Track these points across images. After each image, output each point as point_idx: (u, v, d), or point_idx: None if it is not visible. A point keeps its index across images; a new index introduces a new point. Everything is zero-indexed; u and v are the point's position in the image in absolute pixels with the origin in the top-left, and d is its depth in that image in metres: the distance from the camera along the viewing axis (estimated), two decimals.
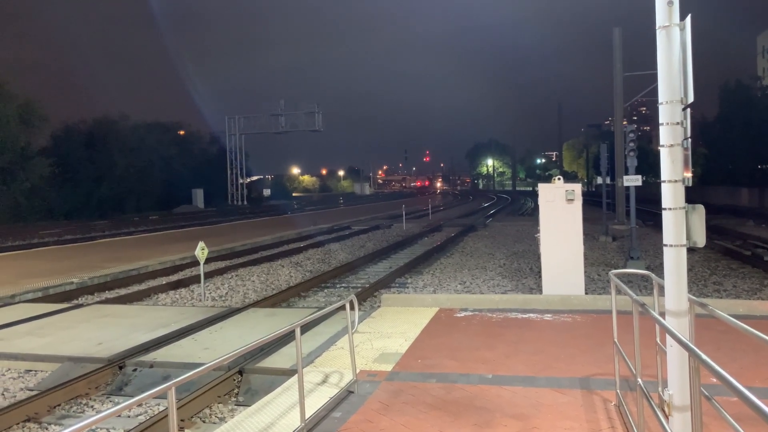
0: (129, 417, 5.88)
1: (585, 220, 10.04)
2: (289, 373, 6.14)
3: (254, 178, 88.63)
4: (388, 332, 7.56)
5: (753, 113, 45.81)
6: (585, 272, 9.90)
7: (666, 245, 3.44)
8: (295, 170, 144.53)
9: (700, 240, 3.42)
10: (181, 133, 66.44)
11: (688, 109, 3.41)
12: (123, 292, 12.89)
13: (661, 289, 3.62)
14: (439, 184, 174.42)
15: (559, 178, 9.96)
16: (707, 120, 51.41)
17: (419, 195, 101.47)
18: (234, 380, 6.49)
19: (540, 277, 10.01)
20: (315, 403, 4.94)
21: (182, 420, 5.52)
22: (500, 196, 79.31)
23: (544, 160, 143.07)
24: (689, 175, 3.43)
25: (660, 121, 3.40)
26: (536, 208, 11.48)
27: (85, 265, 15.76)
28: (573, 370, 5.85)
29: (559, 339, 7.04)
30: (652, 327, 4.00)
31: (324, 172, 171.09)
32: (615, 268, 9.24)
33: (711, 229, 19.49)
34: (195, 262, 14.92)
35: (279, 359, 6.77)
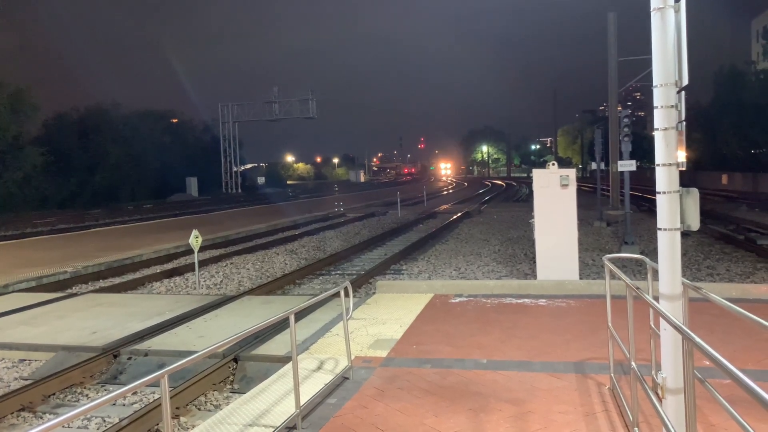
0: (124, 405, 5.88)
1: (579, 205, 10.04)
2: (284, 360, 6.14)
3: (248, 166, 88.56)
4: (383, 319, 7.56)
5: (747, 98, 45.78)
6: (579, 257, 9.91)
7: (660, 229, 3.43)
8: (290, 158, 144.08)
9: (694, 223, 3.41)
10: (174, 121, 66.08)
11: (683, 92, 3.38)
12: (117, 281, 12.86)
13: (655, 273, 3.62)
14: (448, 171, 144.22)
15: (553, 164, 9.94)
16: (701, 105, 51.39)
17: (416, 181, 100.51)
18: (229, 368, 6.49)
19: (534, 262, 10.03)
20: (310, 389, 4.94)
21: (177, 408, 5.52)
22: (494, 183, 79.24)
23: (539, 146, 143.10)
24: (683, 159, 3.42)
25: (654, 104, 3.38)
26: (530, 194, 11.48)
27: (79, 254, 15.70)
28: (567, 354, 5.87)
29: (554, 324, 7.06)
30: (646, 311, 4.01)
31: (319, 159, 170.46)
32: (609, 253, 9.26)
33: (704, 214, 19.56)
34: (189, 251, 14.89)
35: (274, 346, 6.77)
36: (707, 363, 2.14)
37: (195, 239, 11.43)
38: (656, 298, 3.52)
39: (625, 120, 15.02)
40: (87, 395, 6.24)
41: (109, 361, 6.89)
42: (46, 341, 7.44)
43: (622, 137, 15.01)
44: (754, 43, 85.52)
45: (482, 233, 19.34)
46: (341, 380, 5.33)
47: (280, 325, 7.05)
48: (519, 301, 8.33)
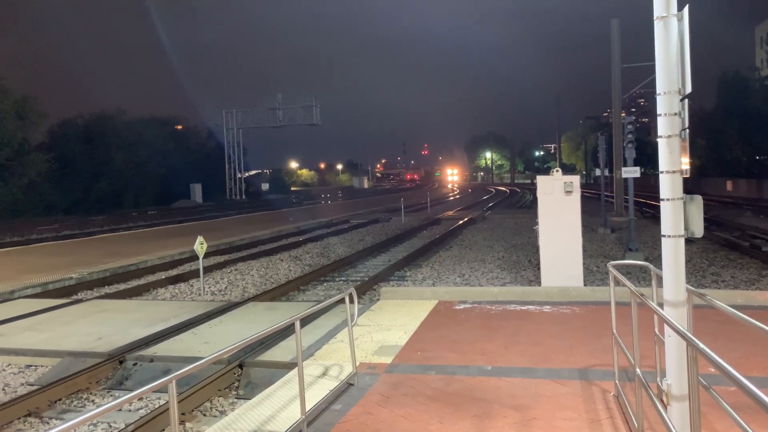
0: (130, 411, 5.90)
1: (583, 212, 10.05)
2: (289, 366, 6.15)
3: (252, 172, 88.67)
4: (387, 325, 7.57)
5: (751, 104, 45.74)
6: (584, 264, 9.91)
7: (664, 236, 3.45)
8: (294, 164, 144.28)
9: (698, 230, 3.43)
10: (179, 127, 66.31)
11: (686, 100, 3.41)
12: (122, 287, 12.90)
13: (660, 280, 3.63)
14: (455, 177, 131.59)
15: (557, 170, 9.96)
16: (706, 111, 51.34)
17: (419, 188, 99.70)
18: (234, 374, 6.51)
19: (539, 269, 10.02)
20: (315, 395, 4.95)
21: (183, 413, 5.54)
22: (498, 189, 79.20)
23: (542, 153, 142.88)
24: (687, 166, 3.44)
25: (658, 112, 3.41)
26: (534, 200, 11.51)
27: (84, 260, 15.75)
28: (572, 361, 5.87)
29: (558, 330, 7.06)
30: (650, 318, 4.02)
31: (322, 166, 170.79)
32: (613, 260, 9.26)
33: (709, 221, 19.51)
34: (194, 257, 14.93)
35: (279, 352, 6.79)
36: (712, 370, 2.16)
37: (200, 245, 11.47)
38: (660, 305, 3.53)
39: (629, 127, 15.03)
40: (93, 401, 6.26)
41: (115, 367, 6.92)
42: (52, 347, 7.48)
43: (626, 144, 15.02)
44: (758, 49, 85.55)
45: (486, 240, 19.34)
46: (346, 386, 5.34)
47: (285, 332, 7.06)
48: (523, 307, 8.33)
